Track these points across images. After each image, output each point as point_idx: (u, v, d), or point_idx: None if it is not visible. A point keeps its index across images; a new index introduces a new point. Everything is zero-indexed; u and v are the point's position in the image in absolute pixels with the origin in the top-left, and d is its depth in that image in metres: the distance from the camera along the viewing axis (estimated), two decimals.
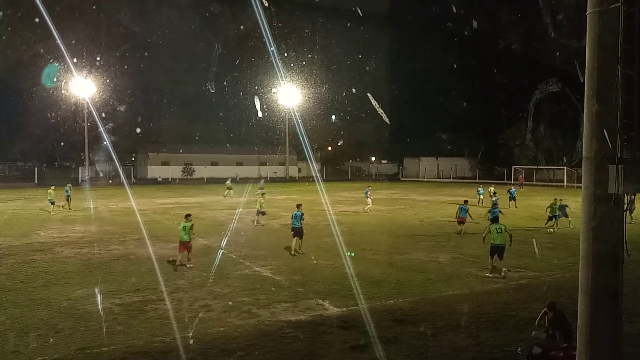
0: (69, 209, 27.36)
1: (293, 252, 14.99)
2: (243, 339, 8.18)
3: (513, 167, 61.41)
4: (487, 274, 12.37)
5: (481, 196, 30.44)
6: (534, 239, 16.22)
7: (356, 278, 11.77)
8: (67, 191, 27.85)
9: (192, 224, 13.36)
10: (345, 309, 9.75)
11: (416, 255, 14.95)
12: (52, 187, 27.03)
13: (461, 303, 10.13)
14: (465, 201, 19.87)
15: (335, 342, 8.12)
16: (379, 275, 12.43)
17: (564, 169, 56.24)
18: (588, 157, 5.15)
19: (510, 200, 27.53)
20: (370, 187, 28.74)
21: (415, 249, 16.08)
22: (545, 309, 7.61)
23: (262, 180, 42.61)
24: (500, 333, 8.43)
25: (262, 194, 25.39)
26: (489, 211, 17.98)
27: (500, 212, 18.43)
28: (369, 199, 27.23)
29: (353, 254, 14.99)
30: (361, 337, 8.20)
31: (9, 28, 44.80)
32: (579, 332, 5.43)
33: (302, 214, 15.31)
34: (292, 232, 15.20)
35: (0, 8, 42.16)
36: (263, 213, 21.91)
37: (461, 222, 18.64)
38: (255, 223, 21.67)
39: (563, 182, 54.13)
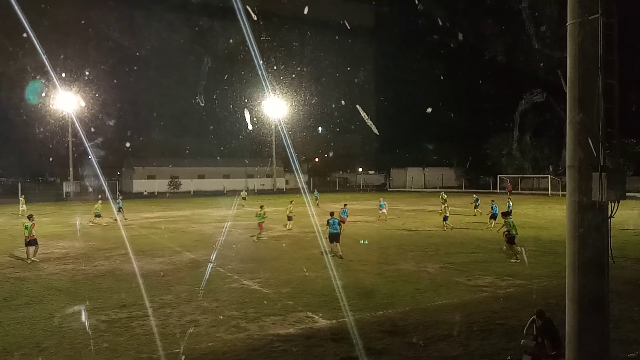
0: (125, 218, 29.15)
1: (333, 255, 16.19)
2: (232, 354, 8.08)
3: (498, 176, 62.09)
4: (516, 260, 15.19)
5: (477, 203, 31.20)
6: (522, 247, 16.35)
7: (345, 289, 11.74)
8: (118, 203, 30.14)
9: None
10: (335, 321, 9.70)
11: (405, 266, 14.96)
12: (100, 201, 28.15)
13: (451, 312, 10.15)
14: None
15: (326, 354, 8.06)
16: (368, 286, 12.41)
17: (548, 177, 56.99)
18: (572, 165, 5.23)
19: (491, 219, 24.34)
20: (382, 199, 29.19)
21: (404, 259, 16.10)
22: (533, 316, 7.64)
23: (244, 192, 44.40)
24: (489, 342, 8.44)
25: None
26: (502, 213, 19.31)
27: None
28: (384, 210, 27.61)
29: (367, 242, 17.07)
30: (352, 349, 8.16)
31: None
32: (568, 339, 5.46)
33: (339, 220, 17.03)
34: (329, 238, 16.49)
35: None
36: (290, 218, 24.18)
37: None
38: (288, 227, 23.93)
39: (548, 190, 54.80)
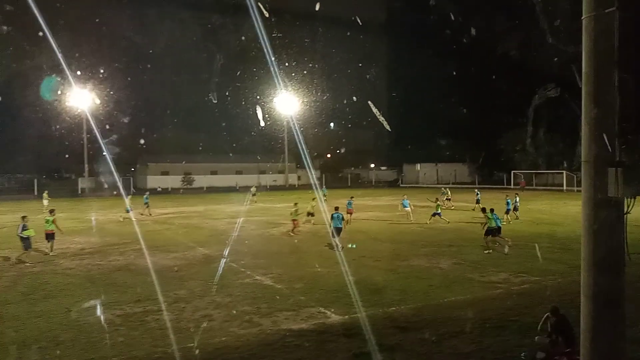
0: (149, 214, 29.74)
1: (339, 249, 16.43)
2: (245, 348, 8.15)
3: (512, 171, 61.53)
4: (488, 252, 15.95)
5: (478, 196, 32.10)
6: (536, 244, 16.21)
7: (358, 285, 11.75)
8: (145, 199, 30.56)
9: None
10: (347, 316, 9.72)
11: (417, 262, 14.92)
12: (130, 196, 29.73)
13: (464, 309, 10.12)
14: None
15: (338, 350, 8.09)
16: (380, 282, 12.41)
17: (563, 173, 56.33)
18: (587, 160, 5.16)
19: (505, 214, 24.22)
20: (406, 196, 28.25)
21: (417, 255, 16.06)
22: (548, 313, 7.59)
23: (254, 188, 44.32)
24: (503, 339, 8.40)
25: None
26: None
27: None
28: (408, 208, 26.64)
29: (355, 246, 16.96)
30: (364, 345, 8.17)
31: (11, 42, 45.32)
32: (582, 337, 5.41)
33: (342, 215, 17.83)
34: (332, 232, 17.18)
35: (3, 22, 42.82)
36: (311, 214, 23.81)
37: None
38: (312, 221, 23.67)
39: (562, 186, 54.17)
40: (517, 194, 28.14)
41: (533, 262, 14.59)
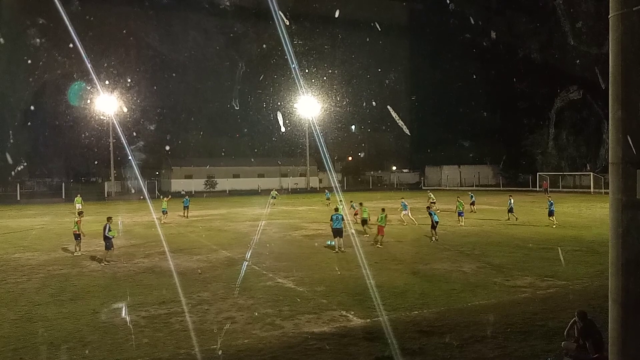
0: (186, 217, 30.81)
1: (336, 250, 16.97)
2: (267, 350, 8.19)
3: (538, 173, 60.50)
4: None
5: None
6: (559, 248, 15.89)
7: (379, 289, 11.70)
8: (185, 202, 32.05)
9: None
10: (369, 320, 9.68)
11: (440, 265, 14.78)
12: (167, 198, 30.81)
13: (488, 313, 9.97)
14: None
15: (360, 353, 8.06)
16: (402, 285, 12.33)
17: (590, 174, 55.12)
18: (614, 162, 5.06)
19: (549, 216, 24.37)
20: (403, 199, 27.65)
21: (439, 258, 15.90)
22: (575, 318, 7.43)
23: (275, 191, 45.30)
24: (528, 344, 8.24)
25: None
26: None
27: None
28: (406, 211, 25.99)
29: (332, 242, 17.57)
30: (386, 349, 8.12)
31: (44, 53, 47.20)
32: (611, 342, 5.29)
33: (342, 216, 17.92)
34: (333, 233, 17.34)
35: (37, 35, 45.16)
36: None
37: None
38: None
39: (589, 188, 52.99)
40: (510, 195, 28.67)
41: (559, 265, 14.30)
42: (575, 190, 55.36)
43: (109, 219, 16.32)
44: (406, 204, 26.55)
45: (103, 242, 15.92)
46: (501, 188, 61.96)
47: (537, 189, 56.56)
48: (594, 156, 61.12)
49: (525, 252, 16.75)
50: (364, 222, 21.72)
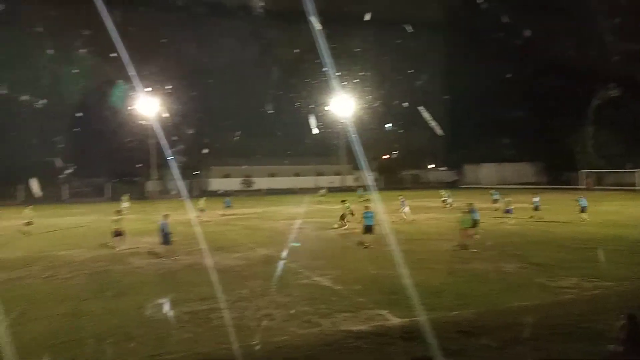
0: (226, 215, 32.03)
1: (365, 245, 17.59)
2: (306, 348, 8.26)
3: (580, 171, 58.65)
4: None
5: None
6: (600, 248, 15.32)
7: (417, 288, 11.56)
8: (227, 202, 34.27)
9: None
10: (406, 319, 9.61)
11: (480, 265, 14.49)
12: (204, 199, 32.55)
13: (530, 315, 9.71)
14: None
15: (398, 353, 8.02)
16: (440, 285, 12.16)
17: (635, 172, 52.86)
18: None
19: (581, 212, 24.08)
20: (402, 197, 27.55)
21: (479, 258, 15.59)
22: (623, 320, 7.15)
23: (323, 190, 49.01)
24: (572, 346, 8.00)
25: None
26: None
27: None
28: (406, 209, 26.38)
29: (299, 244, 18.29)
30: (424, 349, 8.04)
31: (89, 62, 49.65)
32: None
33: (373, 213, 18.30)
34: (365, 229, 17.84)
35: (83, 46, 47.90)
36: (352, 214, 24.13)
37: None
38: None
39: (635, 185, 50.81)
40: (534, 194, 27.86)
41: (605, 266, 13.78)
42: (622, 187, 53.26)
43: (165, 216, 17.27)
44: (406, 202, 26.86)
45: (146, 240, 16.50)
46: (543, 186, 60.19)
47: (582, 186, 54.67)
48: (635, 154, 59.15)
49: (570, 252, 16.22)
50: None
